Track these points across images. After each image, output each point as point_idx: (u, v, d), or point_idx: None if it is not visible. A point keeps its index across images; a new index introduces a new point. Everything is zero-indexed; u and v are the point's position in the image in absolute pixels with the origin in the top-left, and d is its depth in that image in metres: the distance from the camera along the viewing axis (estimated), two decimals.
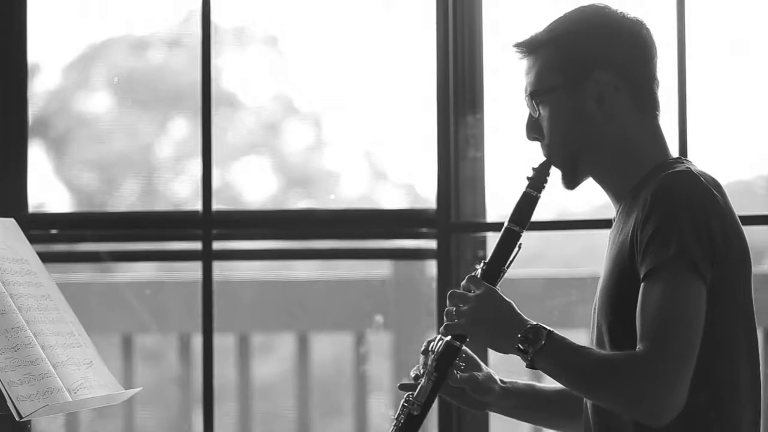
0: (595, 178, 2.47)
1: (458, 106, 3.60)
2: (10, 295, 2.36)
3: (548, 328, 2.30)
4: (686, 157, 3.51)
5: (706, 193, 2.29)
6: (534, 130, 2.48)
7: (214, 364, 3.65)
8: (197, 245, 3.68)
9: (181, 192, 4.20)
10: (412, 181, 4.24)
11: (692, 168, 2.35)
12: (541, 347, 2.27)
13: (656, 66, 2.46)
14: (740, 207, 4.04)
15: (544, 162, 2.47)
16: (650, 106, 2.44)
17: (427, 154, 3.67)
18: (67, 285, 2.76)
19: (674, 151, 3.55)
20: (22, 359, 2.27)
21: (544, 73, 2.43)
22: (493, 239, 3.65)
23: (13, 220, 2.58)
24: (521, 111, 2.51)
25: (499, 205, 3.74)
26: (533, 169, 2.47)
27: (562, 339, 2.29)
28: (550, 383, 2.60)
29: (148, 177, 4.16)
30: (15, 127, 3.65)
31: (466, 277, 2.44)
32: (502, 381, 2.59)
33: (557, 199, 3.88)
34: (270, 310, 4.56)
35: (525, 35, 2.49)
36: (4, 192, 3.64)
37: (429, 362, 2.46)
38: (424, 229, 3.67)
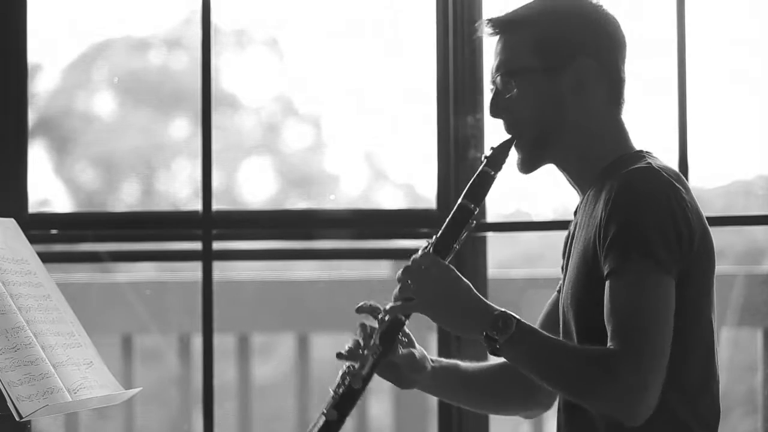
0: (557, 165, 2.45)
1: (458, 106, 3.60)
2: (10, 295, 2.37)
3: (515, 315, 2.27)
4: (686, 155, 3.52)
5: (669, 188, 2.28)
6: (501, 108, 2.43)
7: (214, 364, 3.65)
8: (197, 245, 3.68)
9: (181, 192, 4.20)
10: (412, 181, 4.25)
11: (653, 162, 2.33)
12: (510, 336, 2.25)
13: (626, 62, 2.45)
14: (740, 207, 4.05)
15: (505, 141, 2.43)
16: (619, 99, 2.44)
17: (427, 154, 3.67)
18: (67, 285, 2.76)
19: (674, 151, 3.56)
20: (22, 359, 2.27)
21: (522, 52, 2.40)
22: (493, 239, 3.66)
23: (13, 220, 2.58)
24: None
25: (499, 205, 3.74)
26: (492, 148, 2.43)
27: (531, 328, 2.27)
28: (474, 362, 2.60)
29: (148, 177, 4.17)
30: (15, 127, 3.65)
31: (420, 253, 2.39)
32: (432, 360, 2.57)
33: (557, 199, 3.88)
34: (270, 310, 4.57)
35: (499, 12, 2.44)
36: (4, 192, 3.64)
37: (373, 335, 2.42)
38: (424, 229, 3.67)
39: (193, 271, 3.78)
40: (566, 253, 2.46)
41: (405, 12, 3.91)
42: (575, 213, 2.46)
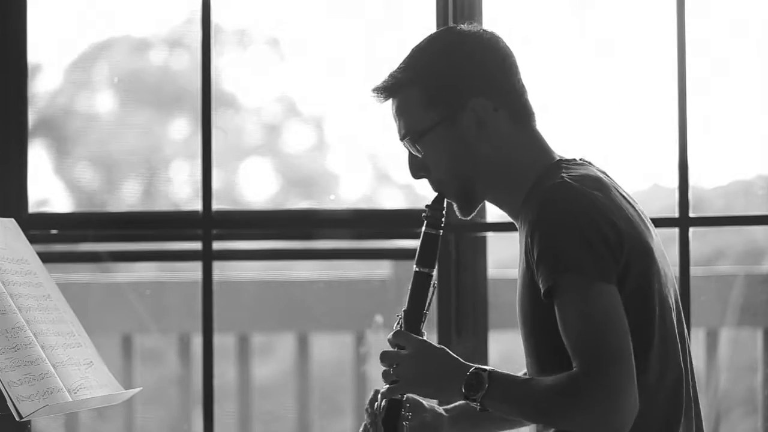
0: (489, 201, 2.47)
1: None
2: (10, 295, 2.37)
3: (486, 368, 2.28)
4: (686, 155, 3.52)
5: (583, 197, 2.27)
6: (420, 168, 2.46)
7: (214, 364, 3.65)
8: (197, 245, 3.68)
9: (181, 192, 4.20)
10: (412, 182, 4.24)
11: (567, 175, 2.33)
12: (486, 390, 2.25)
13: (520, 73, 2.44)
14: (740, 207, 4.05)
15: (436, 198, 2.46)
16: (526, 115, 2.43)
17: None
18: (67, 285, 2.76)
19: (674, 151, 3.56)
20: (22, 359, 2.27)
21: (418, 112, 2.41)
22: (492, 239, 3.65)
23: (13, 220, 2.58)
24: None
25: None
26: (427, 207, 2.45)
27: (504, 376, 2.28)
28: None
29: (149, 177, 4.16)
30: (15, 127, 3.65)
31: (392, 333, 2.42)
32: (445, 411, 2.60)
33: None
34: (270, 310, 4.56)
35: (383, 78, 2.45)
36: (4, 192, 3.64)
37: (377, 423, 2.46)
38: None
39: (193, 271, 3.78)
40: None
41: (405, 12, 3.91)
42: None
